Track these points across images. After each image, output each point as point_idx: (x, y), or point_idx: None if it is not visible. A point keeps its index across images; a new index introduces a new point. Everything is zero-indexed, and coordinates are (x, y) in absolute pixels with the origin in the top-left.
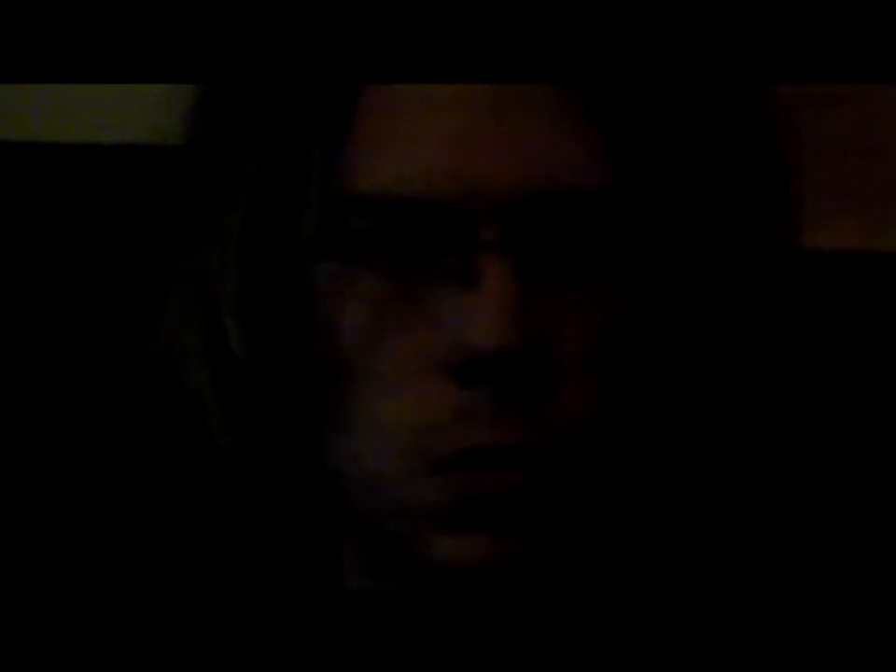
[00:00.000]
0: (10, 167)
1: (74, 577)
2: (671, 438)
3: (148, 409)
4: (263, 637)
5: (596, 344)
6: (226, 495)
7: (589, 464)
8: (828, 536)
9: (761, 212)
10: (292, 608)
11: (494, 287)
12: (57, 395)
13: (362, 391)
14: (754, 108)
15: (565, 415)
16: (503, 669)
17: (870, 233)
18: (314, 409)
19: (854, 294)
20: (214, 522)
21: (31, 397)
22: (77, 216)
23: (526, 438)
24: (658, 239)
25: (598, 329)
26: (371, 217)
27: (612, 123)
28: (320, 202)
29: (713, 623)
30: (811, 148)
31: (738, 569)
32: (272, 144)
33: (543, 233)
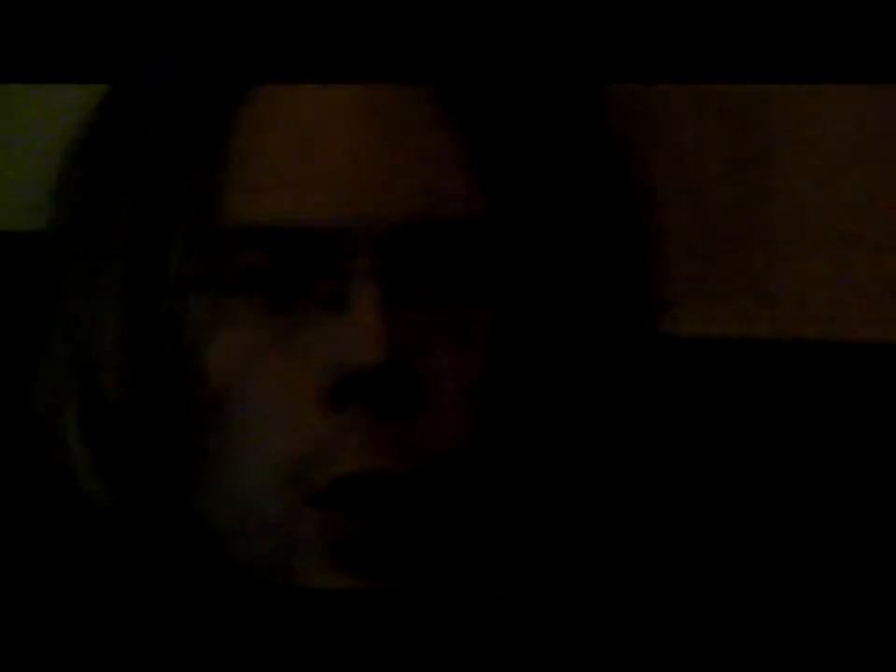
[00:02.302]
0: None
1: None
2: (536, 469)
3: (29, 467)
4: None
5: (468, 377)
6: (102, 550)
7: (456, 494)
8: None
9: (621, 278)
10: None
11: (364, 309)
12: None
13: (237, 425)
14: (620, 174)
15: (435, 440)
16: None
17: (741, 321)
18: (187, 451)
19: (712, 380)
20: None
21: None
22: None
23: (402, 466)
24: (523, 284)
25: (470, 362)
26: (235, 250)
27: (482, 158)
28: (191, 235)
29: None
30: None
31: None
32: (143, 178)
33: (414, 261)
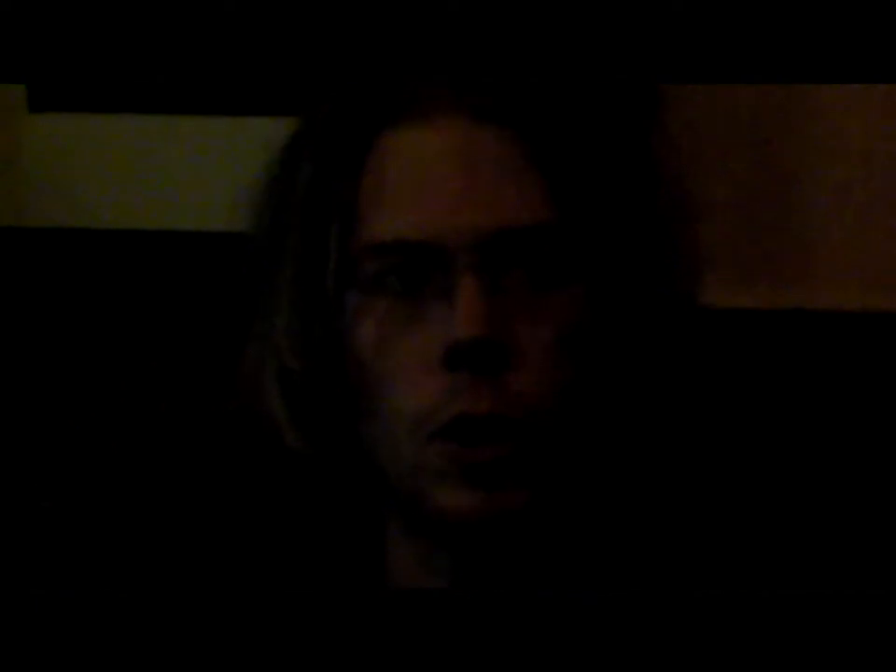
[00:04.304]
0: (119, 252)
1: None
2: (609, 415)
3: (239, 418)
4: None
5: (551, 341)
6: (299, 480)
7: (548, 432)
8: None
9: (661, 253)
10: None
11: (466, 297)
12: (177, 415)
13: (380, 383)
14: (661, 172)
15: (526, 392)
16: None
17: (781, 291)
18: (352, 405)
19: (755, 348)
20: (286, 505)
21: (158, 414)
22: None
23: (499, 409)
24: (587, 267)
25: (552, 329)
26: (375, 259)
27: (553, 179)
28: (341, 250)
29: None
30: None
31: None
32: (305, 226)
33: (504, 259)
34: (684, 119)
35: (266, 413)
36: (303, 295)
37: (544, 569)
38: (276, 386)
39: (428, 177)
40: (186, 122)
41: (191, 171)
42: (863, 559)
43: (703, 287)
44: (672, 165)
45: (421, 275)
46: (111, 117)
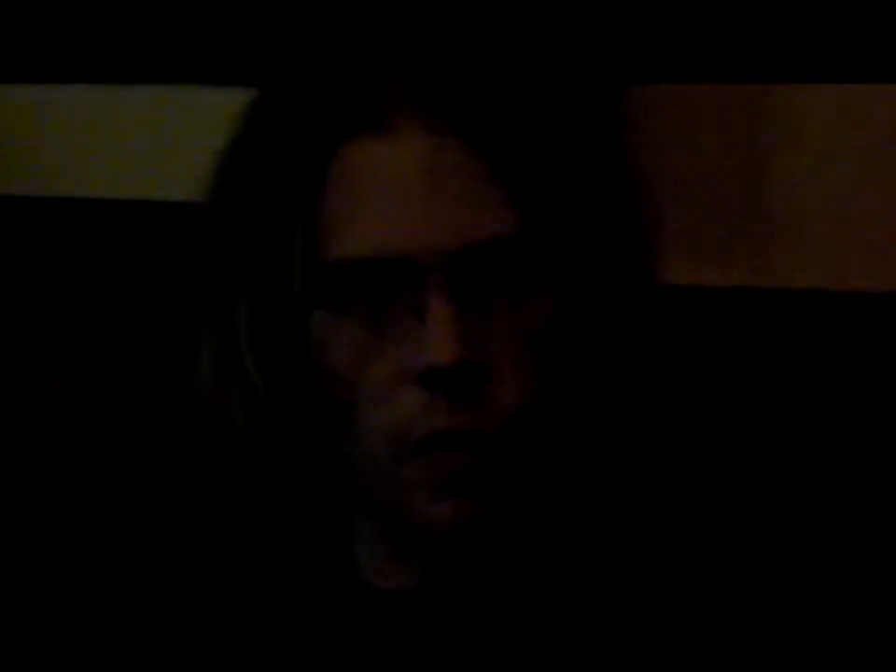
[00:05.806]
0: (69, 222)
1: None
2: (584, 421)
3: (195, 423)
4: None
5: (523, 353)
6: (261, 487)
7: (525, 442)
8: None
9: (626, 253)
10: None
11: (439, 316)
12: (126, 419)
13: (354, 402)
14: (623, 168)
15: (503, 406)
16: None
17: (756, 270)
18: (322, 418)
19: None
20: (247, 511)
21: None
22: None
23: (474, 424)
24: (556, 274)
25: (523, 341)
26: (344, 276)
27: (516, 189)
28: (303, 271)
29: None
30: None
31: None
32: (266, 231)
33: (473, 274)
34: (654, 104)
35: (227, 421)
36: (266, 310)
37: (519, 566)
38: (239, 399)
39: (394, 193)
40: (140, 91)
41: (147, 140)
42: (841, 551)
43: (674, 267)
44: (635, 154)
45: (391, 291)
46: (63, 87)
